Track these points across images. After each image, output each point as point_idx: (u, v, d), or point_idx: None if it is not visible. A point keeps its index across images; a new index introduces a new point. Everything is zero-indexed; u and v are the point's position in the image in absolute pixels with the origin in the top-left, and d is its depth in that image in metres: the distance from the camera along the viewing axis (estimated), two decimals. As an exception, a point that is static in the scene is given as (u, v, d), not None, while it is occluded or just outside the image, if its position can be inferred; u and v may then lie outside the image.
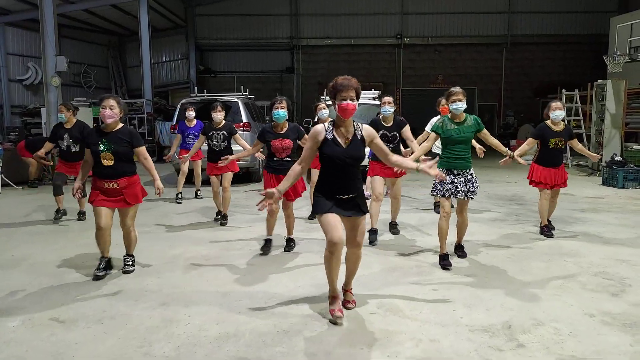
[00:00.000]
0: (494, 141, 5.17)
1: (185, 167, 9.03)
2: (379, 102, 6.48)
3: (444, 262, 4.86)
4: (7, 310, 3.91)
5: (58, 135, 7.12)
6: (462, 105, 4.74)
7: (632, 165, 10.47)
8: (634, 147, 12.05)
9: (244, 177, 10.92)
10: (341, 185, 3.54)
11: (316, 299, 4.08)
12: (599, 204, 8.24)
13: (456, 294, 4.12)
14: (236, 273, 4.81)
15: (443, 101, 6.77)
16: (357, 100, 3.52)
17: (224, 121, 6.89)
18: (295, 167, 3.63)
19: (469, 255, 5.25)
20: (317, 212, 3.59)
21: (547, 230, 6.09)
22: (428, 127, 7.28)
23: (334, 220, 3.52)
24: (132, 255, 4.97)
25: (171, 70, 24.00)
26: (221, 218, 7.02)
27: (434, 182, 4.86)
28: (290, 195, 5.35)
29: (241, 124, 10.44)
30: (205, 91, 13.36)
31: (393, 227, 6.36)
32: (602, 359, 3.06)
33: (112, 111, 4.45)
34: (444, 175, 3.86)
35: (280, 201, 5.34)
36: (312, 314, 3.77)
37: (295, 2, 22.48)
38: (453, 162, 4.83)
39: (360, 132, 3.58)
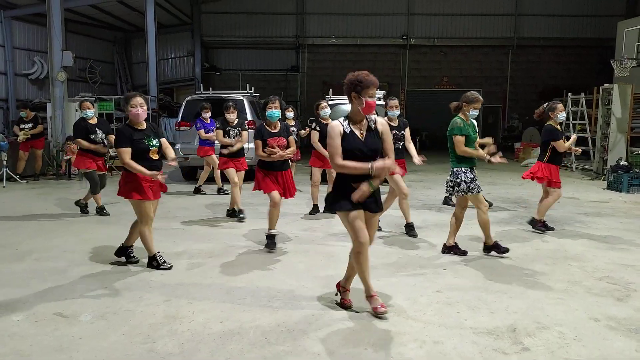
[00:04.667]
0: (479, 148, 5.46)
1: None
2: (384, 103, 6.55)
3: (500, 249, 5.25)
4: (11, 305, 3.92)
5: (89, 130, 7.24)
6: (477, 112, 5.19)
7: (637, 170, 10.42)
8: (639, 151, 12.00)
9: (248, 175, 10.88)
10: (361, 179, 3.55)
11: (320, 298, 4.07)
12: (603, 208, 8.20)
13: (460, 296, 4.11)
14: (240, 270, 4.81)
15: None
16: None
17: (236, 119, 7.22)
18: (344, 162, 3.50)
19: (473, 258, 5.24)
20: (339, 209, 3.60)
21: (543, 225, 6.45)
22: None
23: (360, 219, 3.57)
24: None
25: (176, 67, 24.00)
26: (238, 213, 7.11)
27: (466, 182, 5.05)
28: (287, 194, 5.56)
29: (246, 121, 10.44)
30: (210, 88, 13.37)
31: (411, 229, 6.29)
32: (607, 364, 3.05)
33: (142, 109, 4.58)
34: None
35: (278, 198, 5.47)
36: (316, 313, 3.76)
37: (301, 0, 22.46)
38: (472, 158, 5.14)
39: (373, 125, 3.64)
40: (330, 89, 12.72)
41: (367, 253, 3.62)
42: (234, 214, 7.12)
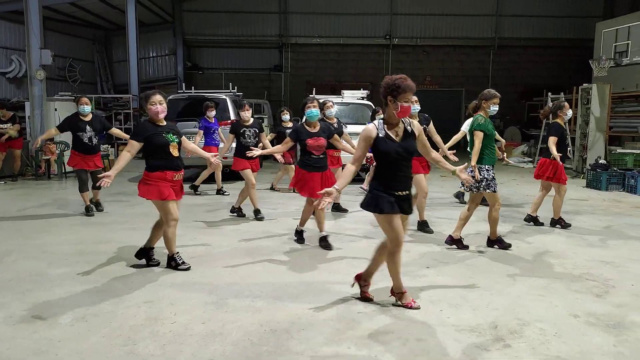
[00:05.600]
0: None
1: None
2: (368, 102, 6.61)
3: (503, 244, 5.54)
4: (-13, 307, 3.83)
5: (78, 127, 7.12)
6: (497, 107, 5.34)
7: (615, 169, 10.62)
8: (617, 150, 12.23)
9: (231, 175, 10.83)
10: (398, 181, 3.65)
11: (304, 298, 4.06)
12: (582, 206, 8.34)
13: (443, 294, 4.14)
14: (222, 271, 4.77)
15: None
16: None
17: (252, 118, 7.12)
18: (350, 167, 3.68)
19: (457, 257, 5.28)
20: (382, 211, 3.62)
21: (563, 221, 6.66)
22: (465, 127, 7.97)
23: (399, 221, 3.68)
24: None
25: (158, 66, 23.73)
26: (255, 213, 7.10)
27: (487, 179, 5.29)
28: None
29: (229, 121, 10.38)
30: (192, 88, 13.26)
31: (426, 226, 6.42)
32: (586, 359, 3.09)
33: (162, 106, 4.55)
34: (470, 179, 4.34)
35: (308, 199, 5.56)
36: (299, 313, 3.75)
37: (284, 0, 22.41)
38: (494, 157, 5.37)
39: (410, 127, 3.70)
40: (314, 89, 12.70)
41: (401, 253, 3.78)
42: (257, 214, 7.09)
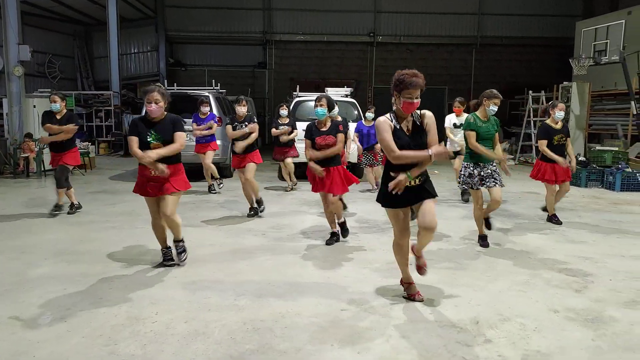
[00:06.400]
0: (498, 145, 5.65)
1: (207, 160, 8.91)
2: (352, 100, 6.61)
3: (483, 243, 5.58)
4: (-37, 308, 3.75)
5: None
6: (497, 108, 5.43)
7: (594, 166, 10.80)
8: (597, 147, 12.44)
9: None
10: (402, 169, 3.59)
11: (287, 296, 4.06)
12: (562, 203, 8.43)
13: (425, 291, 4.16)
14: (205, 269, 4.74)
15: (457, 103, 8.25)
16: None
17: (247, 113, 7.08)
18: (401, 153, 3.54)
19: (438, 253, 5.32)
20: (386, 205, 3.75)
21: (555, 218, 6.76)
22: (447, 123, 8.39)
23: (403, 215, 3.77)
24: (182, 240, 4.93)
25: (140, 62, 23.44)
26: (254, 209, 7.05)
27: (465, 176, 5.48)
28: (331, 189, 5.46)
29: (217, 117, 10.30)
30: (175, 84, 13.12)
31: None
32: (565, 354, 3.14)
33: (157, 105, 4.48)
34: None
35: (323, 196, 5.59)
36: (282, 311, 3.74)
37: (268, -4, 22.30)
38: (479, 156, 5.37)
39: (419, 119, 3.68)
40: (298, 86, 12.67)
41: (407, 246, 3.90)
42: (250, 210, 7.07)
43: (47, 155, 7.73)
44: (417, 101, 3.57)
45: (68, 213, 7.11)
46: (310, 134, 5.54)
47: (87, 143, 12.82)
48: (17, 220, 6.83)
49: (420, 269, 3.99)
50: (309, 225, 6.55)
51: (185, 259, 4.90)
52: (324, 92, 11.95)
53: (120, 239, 5.81)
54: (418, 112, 3.71)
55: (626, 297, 4.11)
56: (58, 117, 6.99)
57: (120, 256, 5.12)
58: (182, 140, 4.62)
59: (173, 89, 11.66)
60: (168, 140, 4.54)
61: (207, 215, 7.20)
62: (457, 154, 8.12)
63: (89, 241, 5.72)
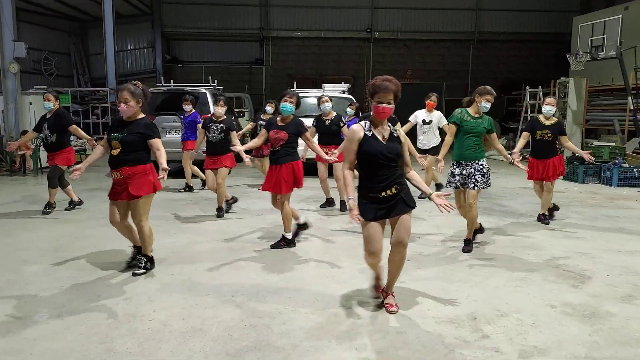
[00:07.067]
0: (499, 146, 5.55)
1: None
2: (350, 96, 6.57)
3: (466, 247, 5.29)
4: (-41, 306, 3.74)
5: (39, 125, 6.92)
6: (490, 105, 5.19)
7: (592, 159, 10.78)
8: (594, 143, 12.45)
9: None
10: (383, 182, 3.48)
11: (284, 293, 4.05)
12: (560, 198, 8.45)
13: (422, 287, 4.17)
14: (202, 266, 4.73)
15: (433, 97, 8.00)
16: (396, 102, 3.49)
17: (225, 115, 6.90)
18: (347, 173, 3.57)
19: (434, 249, 5.33)
20: (362, 216, 3.50)
21: (544, 218, 6.57)
22: (412, 119, 8.21)
23: (375, 230, 3.50)
24: (146, 256, 4.57)
25: (136, 59, 23.35)
26: (217, 211, 6.93)
27: (448, 176, 5.29)
28: (277, 188, 5.29)
29: (209, 115, 10.26)
30: (171, 81, 13.07)
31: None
32: (562, 349, 3.15)
33: (126, 105, 4.35)
34: (449, 206, 3.55)
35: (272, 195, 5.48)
36: (279, 308, 3.74)
37: (265, -8, 22.22)
38: (464, 152, 5.17)
39: (395, 133, 3.59)
40: (295, 82, 12.64)
41: (379, 260, 3.63)
42: (219, 210, 6.95)
43: (43, 153, 7.69)
44: (390, 106, 3.44)
45: (65, 209, 7.10)
46: (269, 126, 5.40)
47: (83, 140, 12.75)
48: (13, 217, 6.81)
49: (390, 307, 3.70)
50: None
51: (140, 274, 4.46)
52: (321, 88, 11.93)
53: (117, 236, 5.75)
54: (393, 127, 3.60)
55: (623, 292, 4.12)
56: (48, 116, 6.86)
57: (116, 253, 5.10)
58: (158, 145, 4.45)
59: (170, 86, 11.63)
60: (126, 141, 4.33)
61: (203, 212, 7.19)
62: (426, 152, 7.92)
63: (85, 238, 5.71)
